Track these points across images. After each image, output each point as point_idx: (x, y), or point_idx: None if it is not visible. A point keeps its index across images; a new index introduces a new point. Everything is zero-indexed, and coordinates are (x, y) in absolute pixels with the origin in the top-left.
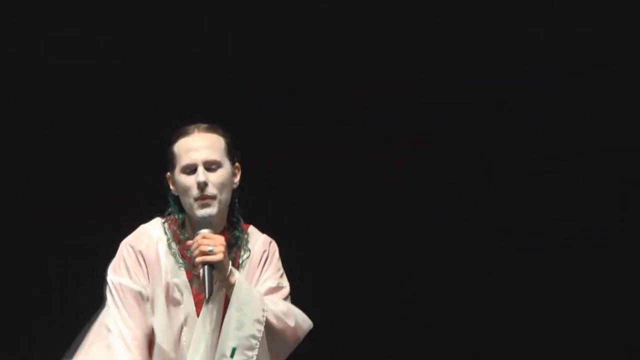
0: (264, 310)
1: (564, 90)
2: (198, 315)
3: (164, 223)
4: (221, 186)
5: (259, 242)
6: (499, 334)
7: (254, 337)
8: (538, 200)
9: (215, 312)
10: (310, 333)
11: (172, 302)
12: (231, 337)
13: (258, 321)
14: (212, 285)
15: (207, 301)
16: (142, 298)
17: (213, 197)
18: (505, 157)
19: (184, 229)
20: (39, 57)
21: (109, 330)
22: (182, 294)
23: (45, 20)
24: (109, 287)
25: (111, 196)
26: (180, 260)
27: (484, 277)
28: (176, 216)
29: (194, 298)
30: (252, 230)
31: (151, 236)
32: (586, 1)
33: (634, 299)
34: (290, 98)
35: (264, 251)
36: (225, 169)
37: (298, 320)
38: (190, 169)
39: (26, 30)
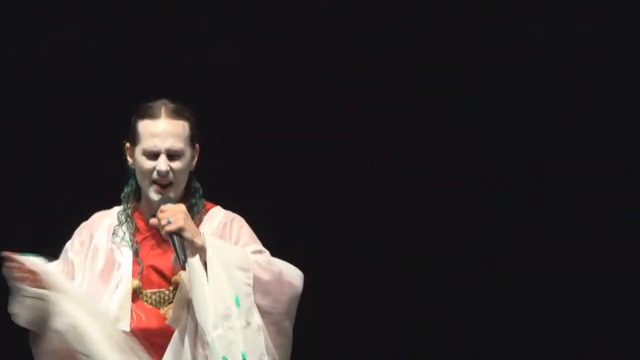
0: (245, 257)
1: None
2: (142, 272)
3: (124, 198)
4: (180, 173)
5: (221, 215)
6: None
7: (247, 284)
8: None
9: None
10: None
11: (111, 258)
12: (226, 289)
13: (244, 268)
14: (183, 250)
15: (184, 267)
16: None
17: (170, 184)
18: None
19: (137, 200)
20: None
21: None
22: (122, 254)
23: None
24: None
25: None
26: (128, 226)
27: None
28: (129, 188)
29: (133, 257)
30: (217, 208)
31: (99, 214)
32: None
33: None
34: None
35: (224, 224)
36: (186, 156)
37: (283, 268)
38: (152, 154)
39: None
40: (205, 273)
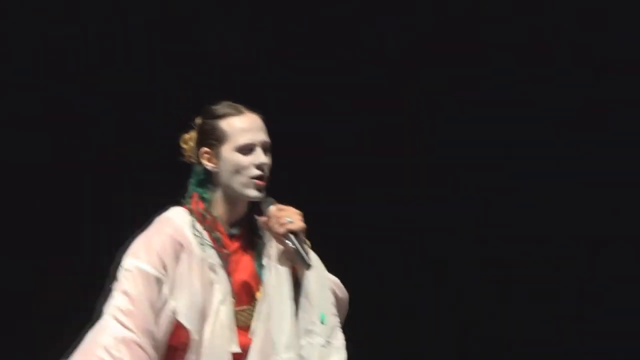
0: (326, 277)
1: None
2: (233, 291)
3: (190, 208)
4: (269, 168)
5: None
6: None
7: (332, 303)
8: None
9: (286, 282)
10: None
11: (204, 282)
12: (315, 306)
13: (329, 287)
14: (306, 250)
15: (309, 267)
16: (158, 283)
17: (266, 180)
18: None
19: (210, 208)
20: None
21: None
22: (216, 273)
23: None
24: (122, 273)
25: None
26: (206, 239)
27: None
28: (204, 195)
29: (230, 273)
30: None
31: (175, 222)
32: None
33: None
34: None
35: None
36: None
37: (345, 293)
38: (247, 149)
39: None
40: (291, 287)
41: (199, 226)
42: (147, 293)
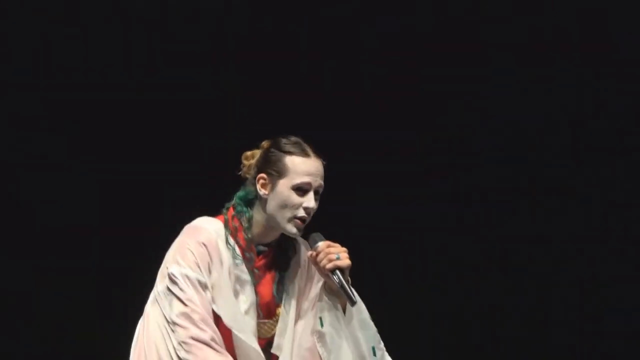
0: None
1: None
2: (258, 304)
3: (225, 220)
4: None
5: (302, 247)
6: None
7: (375, 332)
8: None
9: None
10: None
11: (234, 292)
12: (365, 339)
13: (370, 319)
14: (351, 288)
15: (354, 303)
16: (205, 288)
17: (306, 221)
18: None
19: (249, 228)
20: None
21: (174, 323)
22: (242, 285)
23: None
24: (172, 280)
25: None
26: (238, 254)
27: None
28: (246, 214)
29: (255, 288)
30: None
31: (209, 230)
32: None
33: None
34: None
35: (308, 257)
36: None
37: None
38: (302, 190)
39: None
40: (344, 321)
41: (232, 240)
42: (200, 297)
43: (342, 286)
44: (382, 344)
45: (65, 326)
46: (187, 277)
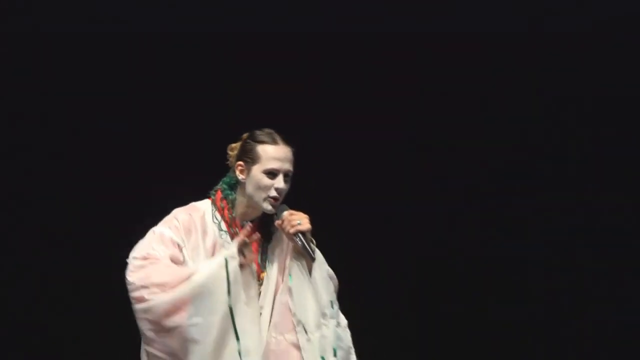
0: (328, 269)
1: None
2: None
3: (213, 200)
4: (285, 192)
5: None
6: None
7: (334, 291)
8: None
9: (307, 274)
10: None
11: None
12: (325, 292)
13: (332, 277)
14: (311, 247)
15: (314, 259)
16: (177, 246)
17: (280, 200)
18: None
19: (233, 208)
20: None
21: (133, 258)
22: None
23: None
24: (149, 234)
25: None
26: (223, 228)
27: None
28: (230, 197)
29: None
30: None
31: (198, 207)
32: None
33: None
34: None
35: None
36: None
37: (335, 278)
38: (272, 174)
39: None
40: (309, 277)
41: (218, 216)
42: (165, 248)
43: (303, 246)
44: (336, 302)
45: None
46: (162, 234)
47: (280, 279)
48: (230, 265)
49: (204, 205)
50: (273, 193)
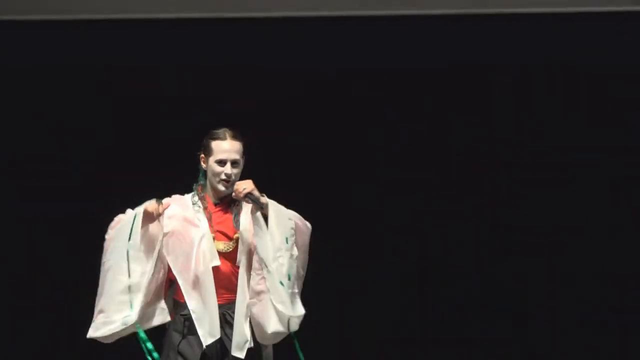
0: (288, 211)
1: None
2: (212, 233)
3: (195, 188)
4: (236, 175)
5: None
6: None
7: (292, 227)
8: None
9: (247, 228)
10: None
11: (192, 224)
12: (280, 231)
13: (289, 218)
14: (259, 201)
15: (262, 208)
16: (153, 217)
17: (231, 182)
18: None
19: (205, 189)
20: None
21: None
22: (200, 221)
23: None
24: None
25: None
26: (200, 205)
27: None
28: (202, 182)
29: (209, 223)
30: None
31: (184, 196)
32: None
33: None
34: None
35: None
36: (240, 165)
37: (306, 223)
38: (222, 163)
39: None
40: (265, 223)
41: (196, 199)
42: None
43: (253, 202)
44: (294, 237)
45: None
46: (140, 207)
47: (251, 235)
48: (136, 219)
49: (189, 194)
50: (223, 177)
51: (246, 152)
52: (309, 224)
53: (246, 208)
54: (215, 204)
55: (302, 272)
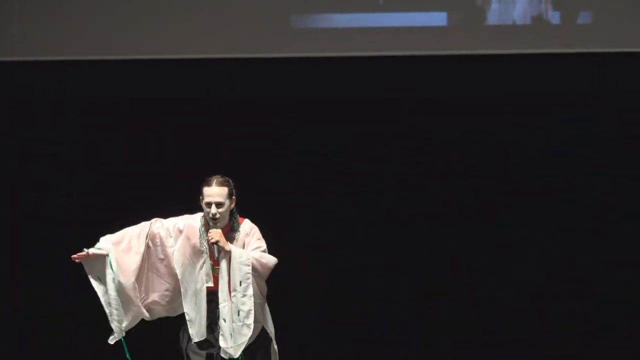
0: (248, 257)
1: None
2: (210, 259)
3: (202, 217)
4: (221, 214)
5: (246, 227)
6: None
7: (247, 274)
8: None
9: (225, 266)
10: None
11: (196, 251)
12: (237, 275)
13: (246, 263)
14: (219, 252)
15: (218, 258)
16: (148, 235)
17: (217, 219)
18: None
19: (205, 223)
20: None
21: None
22: (203, 249)
23: None
24: None
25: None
26: (204, 235)
27: None
28: (205, 217)
29: (209, 252)
30: (245, 221)
31: (195, 218)
32: None
33: None
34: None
35: (247, 233)
36: (225, 204)
37: (267, 257)
38: (208, 204)
39: None
40: (228, 264)
41: (202, 230)
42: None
43: (218, 248)
44: (249, 280)
45: None
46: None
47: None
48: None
49: (200, 220)
50: (210, 215)
51: (234, 193)
52: (269, 262)
53: (236, 239)
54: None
55: (262, 296)
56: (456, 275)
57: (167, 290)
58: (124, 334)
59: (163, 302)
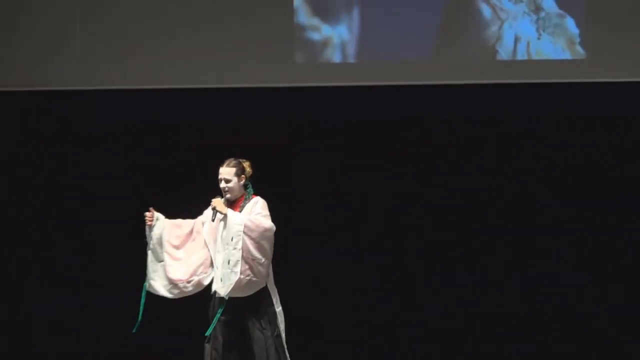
0: (241, 219)
1: None
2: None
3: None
4: (230, 189)
5: (255, 199)
6: None
7: (238, 231)
8: None
9: (222, 225)
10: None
11: (212, 221)
12: (230, 233)
13: (238, 223)
14: (215, 215)
15: (213, 220)
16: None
17: (226, 192)
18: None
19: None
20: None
21: None
22: (214, 219)
23: None
24: None
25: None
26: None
27: None
28: None
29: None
30: (257, 197)
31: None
32: None
33: None
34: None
35: (254, 203)
36: (233, 181)
37: (261, 219)
38: (220, 180)
39: None
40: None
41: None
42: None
43: (216, 211)
44: (240, 236)
45: None
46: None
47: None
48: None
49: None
50: (221, 189)
51: (244, 172)
52: (262, 223)
53: (245, 208)
54: (228, 205)
55: (258, 256)
56: (456, 275)
57: (204, 259)
58: (152, 288)
59: (199, 271)
